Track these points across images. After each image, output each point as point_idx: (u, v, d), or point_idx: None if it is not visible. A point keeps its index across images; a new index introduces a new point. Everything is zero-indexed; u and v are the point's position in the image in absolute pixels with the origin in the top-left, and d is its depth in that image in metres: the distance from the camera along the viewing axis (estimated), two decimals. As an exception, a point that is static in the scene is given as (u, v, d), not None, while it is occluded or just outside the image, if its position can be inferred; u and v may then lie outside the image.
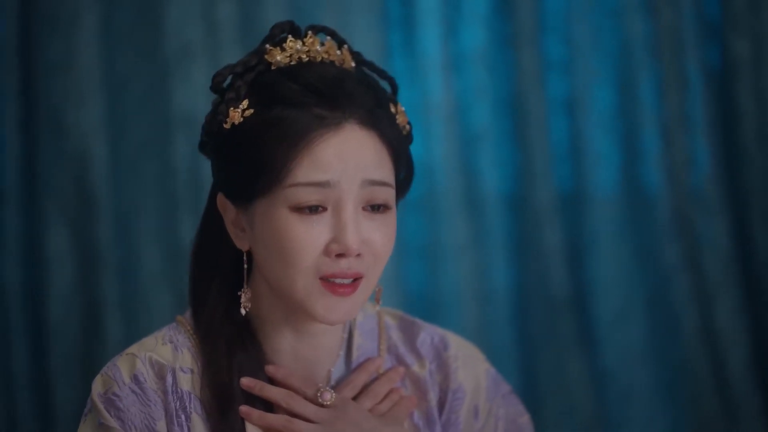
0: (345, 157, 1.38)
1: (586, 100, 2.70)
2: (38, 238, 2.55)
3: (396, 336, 1.59)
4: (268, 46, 1.45)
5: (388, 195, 1.42)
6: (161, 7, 2.57)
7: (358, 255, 1.38)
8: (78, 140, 2.52)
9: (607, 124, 2.73)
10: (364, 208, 1.40)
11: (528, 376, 2.73)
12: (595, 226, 2.72)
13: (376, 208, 1.41)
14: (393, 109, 1.47)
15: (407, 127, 1.51)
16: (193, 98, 2.52)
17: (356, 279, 1.40)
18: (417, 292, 2.72)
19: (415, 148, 2.68)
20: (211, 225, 1.50)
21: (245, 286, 1.46)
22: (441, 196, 2.68)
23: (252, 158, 1.39)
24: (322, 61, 1.45)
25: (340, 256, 1.38)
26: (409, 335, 1.60)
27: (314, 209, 1.38)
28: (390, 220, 1.42)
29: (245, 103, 1.41)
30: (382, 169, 1.41)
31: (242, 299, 1.45)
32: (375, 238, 1.40)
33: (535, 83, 2.67)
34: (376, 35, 2.64)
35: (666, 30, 2.68)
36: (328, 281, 1.39)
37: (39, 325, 2.55)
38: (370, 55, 2.53)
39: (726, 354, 2.68)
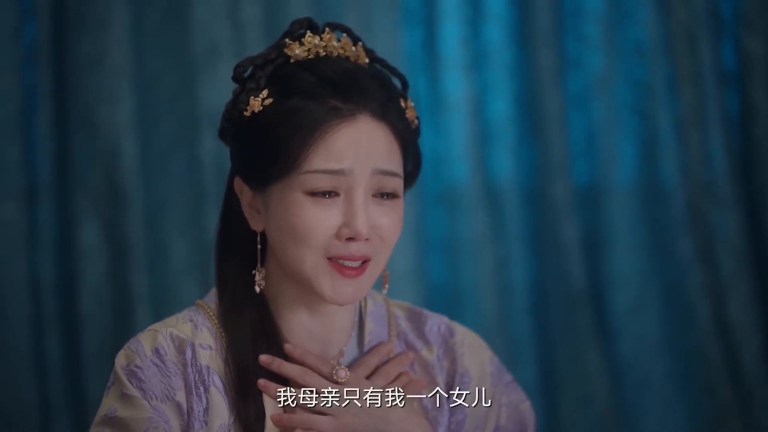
0: (358, 147, 1.44)
1: (603, 96, 2.74)
2: (70, 232, 2.58)
3: (405, 324, 1.65)
4: (287, 40, 1.51)
5: (397, 184, 1.48)
6: (189, 8, 2.60)
7: (367, 239, 1.45)
8: (109, 137, 2.55)
9: (623, 120, 2.76)
10: (374, 195, 1.46)
11: (546, 367, 2.77)
12: (612, 219, 2.75)
13: (385, 195, 1.47)
14: (403, 104, 1.53)
15: (416, 121, 1.56)
16: (220, 96, 2.53)
17: (364, 261, 1.46)
18: (438, 284, 2.75)
19: (435, 144, 2.75)
20: (231, 208, 1.56)
21: (259, 265, 1.52)
22: (461, 190, 2.72)
23: (270, 145, 1.45)
24: (338, 56, 1.51)
25: (350, 240, 1.44)
26: (417, 324, 1.65)
27: (328, 194, 1.44)
28: (398, 207, 1.49)
29: (265, 92, 1.47)
30: (392, 159, 1.47)
31: (256, 278, 1.51)
32: (383, 223, 1.47)
33: (552, 80, 2.71)
34: (398, 34, 2.68)
35: (680, 28, 2.71)
36: (337, 262, 1.45)
37: (71, 316, 2.59)
38: (391, 52, 2.60)
39: (739, 344, 2.72)
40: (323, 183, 1.43)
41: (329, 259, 1.45)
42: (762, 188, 2.73)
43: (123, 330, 2.55)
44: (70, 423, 2.56)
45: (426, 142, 2.70)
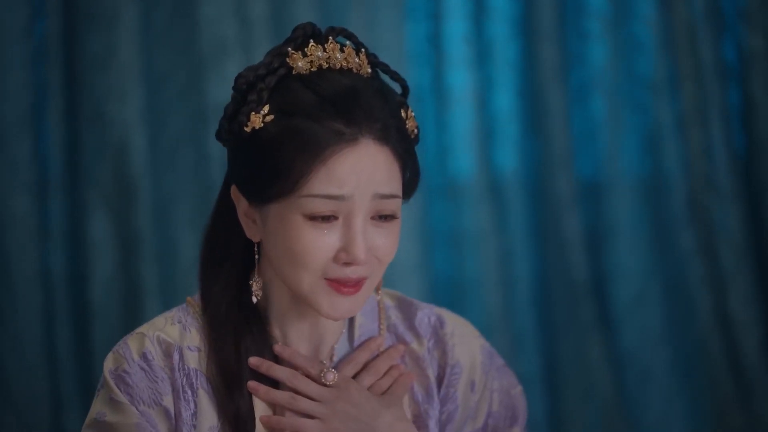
0: (360, 173, 1.42)
1: (605, 92, 2.75)
2: (81, 225, 2.62)
3: (395, 316, 1.64)
4: (290, 49, 1.48)
5: (396, 205, 1.46)
6: (196, 5, 2.62)
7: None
8: (118, 132, 2.57)
9: (625, 115, 2.77)
10: (372, 218, 1.45)
11: (549, 359, 2.79)
12: (614, 213, 2.77)
13: (384, 217, 1.46)
14: (404, 114, 1.51)
15: (415, 131, 1.54)
16: (228, 92, 2.44)
17: (360, 280, 1.46)
18: (442, 277, 2.78)
19: (439, 138, 2.76)
20: (224, 212, 1.53)
21: (256, 276, 1.50)
22: (464, 184, 2.74)
23: (269, 165, 1.42)
24: (341, 69, 1.48)
25: (347, 264, 1.44)
26: (408, 315, 1.64)
27: (327, 218, 1.42)
28: (395, 227, 1.47)
29: (266, 108, 1.43)
30: (392, 183, 1.45)
31: (254, 288, 1.49)
32: (380, 244, 1.45)
33: (555, 75, 2.73)
34: (403, 30, 2.70)
35: (681, 24, 2.72)
36: (333, 281, 1.44)
37: (82, 308, 2.62)
38: (396, 48, 2.63)
39: (739, 337, 2.73)
40: (323, 207, 1.42)
41: (326, 279, 1.45)
42: (762, 182, 2.74)
43: (133, 321, 2.57)
44: (81, 412, 2.58)
45: (430, 136, 2.74)
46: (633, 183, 2.78)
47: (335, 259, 1.44)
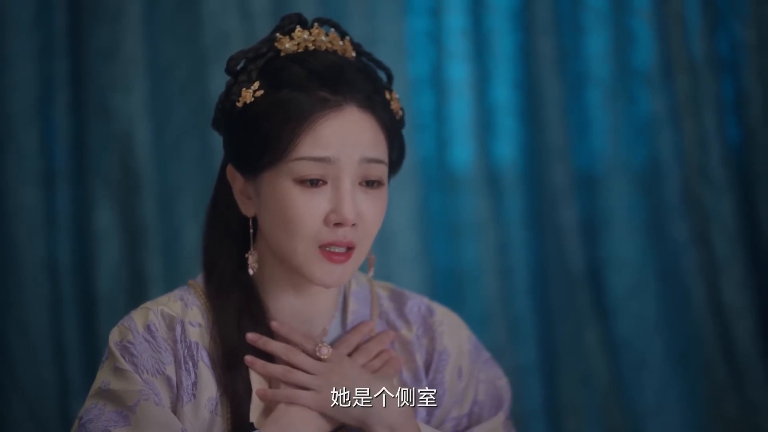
0: (344, 136, 1.50)
1: (600, 83, 2.77)
2: (87, 216, 2.64)
3: (387, 304, 1.71)
4: (278, 34, 1.57)
5: (382, 171, 1.54)
6: (200, -1, 2.64)
7: (353, 225, 1.52)
8: (123, 123, 2.60)
9: (620, 106, 2.78)
10: (360, 183, 1.52)
11: (546, 346, 2.81)
12: (609, 203, 2.78)
13: (371, 183, 1.53)
14: (388, 96, 1.59)
15: (400, 113, 1.62)
16: None
17: (349, 249, 1.53)
18: (441, 267, 2.80)
19: (438, 130, 2.78)
20: (222, 194, 1.62)
21: (252, 248, 1.58)
22: (463, 175, 2.77)
23: (261, 134, 1.51)
24: (326, 50, 1.57)
25: (337, 225, 1.51)
26: (399, 304, 1.72)
27: (315, 182, 1.50)
28: (382, 195, 1.55)
29: (256, 84, 1.53)
30: (378, 148, 1.53)
31: (250, 261, 1.57)
32: (367, 210, 1.53)
33: (551, 68, 2.75)
34: (402, 23, 2.73)
35: (676, 17, 2.73)
36: (325, 249, 1.51)
37: (88, 297, 2.65)
38: (395, 41, 2.66)
39: (733, 325, 2.74)
40: (311, 170, 1.49)
41: (320, 247, 1.51)
42: (755, 172, 2.76)
43: (138, 310, 2.61)
44: (87, 399, 2.62)
45: (429, 128, 2.77)
46: (628, 173, 2.79)
47: (325, 221, 1.51)
